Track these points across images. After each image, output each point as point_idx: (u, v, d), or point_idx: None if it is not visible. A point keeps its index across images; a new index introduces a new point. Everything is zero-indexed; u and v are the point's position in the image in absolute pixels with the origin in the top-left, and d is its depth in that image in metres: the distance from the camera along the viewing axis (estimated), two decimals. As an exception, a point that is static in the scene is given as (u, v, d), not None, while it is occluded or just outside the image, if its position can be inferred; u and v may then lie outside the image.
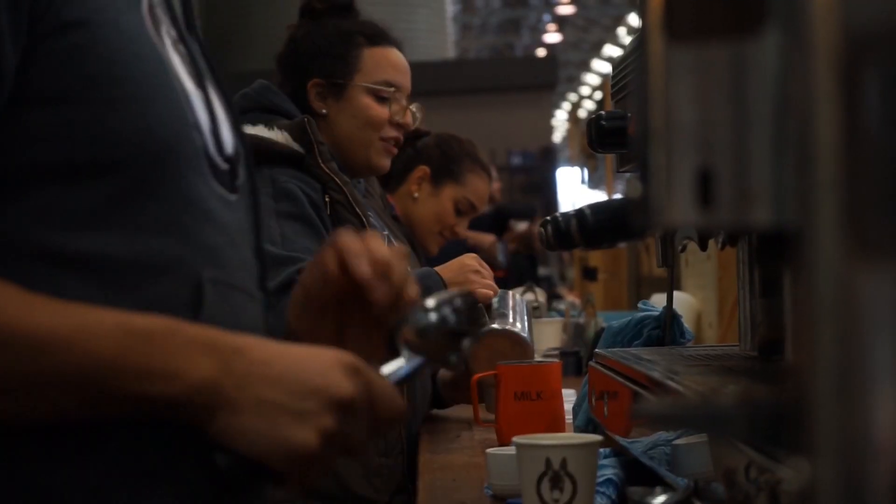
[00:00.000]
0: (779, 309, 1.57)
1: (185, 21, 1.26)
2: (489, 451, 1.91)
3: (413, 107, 2.59)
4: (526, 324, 2.55)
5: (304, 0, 2.59)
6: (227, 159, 1.21)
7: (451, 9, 15.03)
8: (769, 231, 0.84)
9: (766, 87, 0.82)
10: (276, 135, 2.38)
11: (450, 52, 14.03)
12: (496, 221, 6.86)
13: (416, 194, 3.29)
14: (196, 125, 1.15)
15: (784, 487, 1.06)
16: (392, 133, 2.54)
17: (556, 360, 3.01)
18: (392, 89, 2.53)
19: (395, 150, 2.58)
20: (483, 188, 3.42)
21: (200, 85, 1.19)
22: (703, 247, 1.81)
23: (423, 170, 3.31)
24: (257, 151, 2.35)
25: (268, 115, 2.46)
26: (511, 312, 2.54)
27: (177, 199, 1.12)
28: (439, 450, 2.35)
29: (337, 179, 2.39)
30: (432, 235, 3.31)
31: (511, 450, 1.75)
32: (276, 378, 1.06)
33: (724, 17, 0.83)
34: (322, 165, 2.38)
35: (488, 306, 2.53)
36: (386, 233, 2.52)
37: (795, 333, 0.77)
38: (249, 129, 2.37)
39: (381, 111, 2.51)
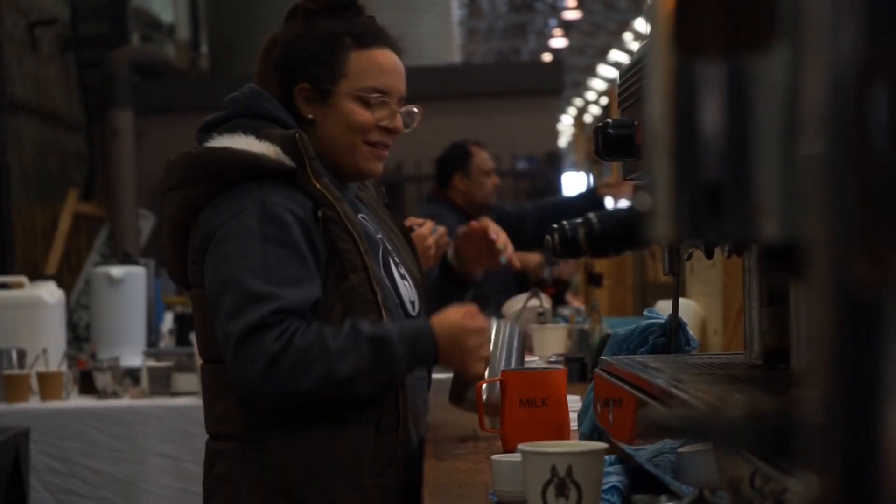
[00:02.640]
0: (784, 318, 1.58)
1: None
2: (494, 457, 1.92)
3: (412, 108, 2.53)
4: (513, 358, 2.51)
5: (294, 5, 2.51)
6: None
7: (457, 13, 15.02)
8: (777, 243, 0.84)
9: (775, 100, 0.82)
10: (267, 148, 2.33)
11: (455, 57, 14.02)
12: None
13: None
14: None
15: (789, 497, 1.06)
16: (379, 137, 2.46)
17: (561, 366, 3.01)
18: (377, 95, 2.45)
19: (385, 154, 2.49)
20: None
21: None
22: (710, 255, 1.81)
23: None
24: (247, 166, 2.32)
25: (259, 121, 2.41)
26: (496, 352, 2.50)
27: None
28: (444, 456, 2.35)
29: (329, 196, 2.33)
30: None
31: (516, 457, 1.75)
32: None
33: (734, 31, 0.83)
34: (314, 182, 2.33)
35: None
36: (380, 236, 2.48)
37: (803, 346, 0.77)
38: (241, 142, 2.34)
39: (366, 116, 2.44)
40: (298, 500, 2.30)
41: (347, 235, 2.33)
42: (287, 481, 2.30)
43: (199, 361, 2.54)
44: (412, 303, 2.50)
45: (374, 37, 2.47)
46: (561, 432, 2.19)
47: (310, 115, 2.45)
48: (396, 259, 2.51)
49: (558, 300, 5.37)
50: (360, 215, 2.46)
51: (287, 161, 2.32)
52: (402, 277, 2.49)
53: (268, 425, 2.32)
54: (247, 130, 2.37)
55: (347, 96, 2.44)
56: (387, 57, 2.48)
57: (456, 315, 2.39)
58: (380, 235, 2.49)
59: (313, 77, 2.44)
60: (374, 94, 2.44)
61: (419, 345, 2.32)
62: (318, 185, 2.33)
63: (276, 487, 2.30)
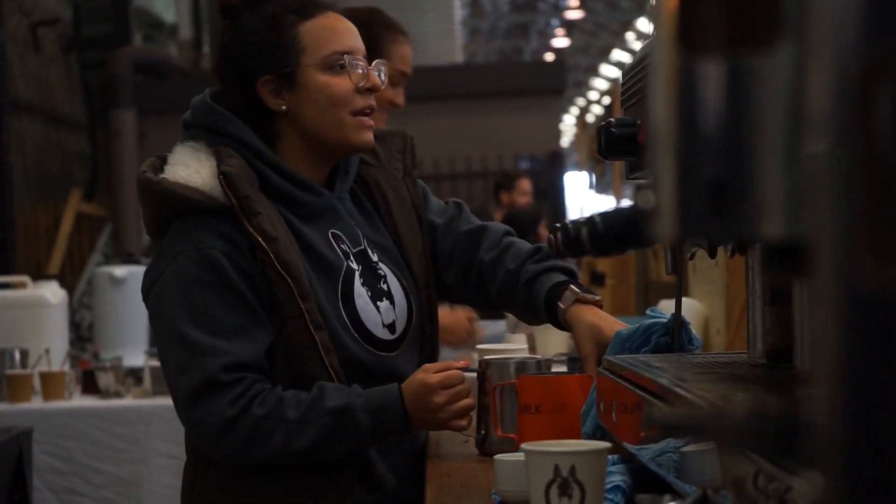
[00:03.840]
0: (788, 317, 1.57)
1: None
2: (497, 457, 1.91)
3: (379, 63, 2.36)
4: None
5: (220, 6, 2.35)
6: None
7: (459, 13, 15.02)
8: (781, 242, 0.84)
9: (779, 99, 0.82)
10: (203, 181, 2.21)
11: (458, 57, 14.03)
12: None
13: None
14: None
15: (793, 496, 1.06)
16: (362, 103, 2.29)
17: (566, 367, 3.00)
18: (345, 56, 2.28)
19: (372, 122, 2.31)
20: (407, 52, 3.29)
21: None
22: (713, 255, 1.81)
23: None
24: (179, 203, 2.21)
25: (214, 134, 2.28)
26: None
27: None
28: (447, 455, 2.35)
29: (261, 238, 2.19)
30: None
31: (519, 456, 1.75)
32: None
33: (737, 30, 0.83)
34: (246, 224, 2.19)
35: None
36: (355, 252, 2.34)
37: (807, 345, 0.77)
38: (190, 167, 2.23)
39: (343, 83, 2.27)
40: None
41: (282, 280, 2.19)
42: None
43: None
44: (391, 324, 2.34)
45: (314, 5, 2.32)
46: (576, 437, 2.15)
47: (283, 107, 2.28)
48: (371, 278, 2.35)
49: None
50: (331, 231, 2.33)
51: (221, 199, 2.20)
52: (377, 298, 2.33)
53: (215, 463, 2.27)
54: (204, 141, 2.28)
55: (314, 69, 2.27)
56: (335, 19, 2.33)
57: (420, 374, 2.24)
58: (356, 250, 2.35)
59: (271, 66, 2.27)
60: (340, 57, 2.28)
61: (385, 414, 2.20)
62: (249, 228, 2.19)
63: None
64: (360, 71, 2.30)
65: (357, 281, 2.32)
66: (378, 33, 3.23)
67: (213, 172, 2.22)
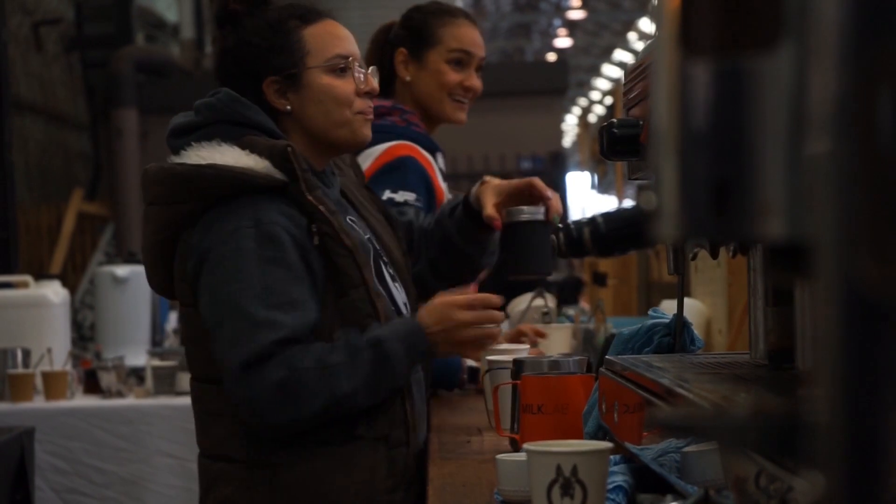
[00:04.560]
0: (790, 317, 1.58)
1: None
2: (499, 457, 1.91)
3: (372, 70, 2.48)
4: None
5: (218, 6, 2.44)
6: None
7: (461, 13, 15.00)
8: (782, 243, 0.84)
9: (782, 100, 0.82)
10: (255, 162, 2.27)
11: (460, 57, 14.01)
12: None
13: (407, 78, 3.26)
14: None
15: (794, 496, 1.06)
16: (362, 105, 2.42)
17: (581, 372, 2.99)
18: (348, 59, 2.41)
19: (371, 119, 2.45)
20: (462, 32, 3.29)
21: None
22: (715, 255, 1.81)
23: (401, 53, 3.27)
24: (236, 184, 2.25)
25: (239, 128, 2.34)
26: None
27: None
28: (449, 455, 2.36)
29: (324, 210, 2.28)
30: (447, 104, 3.27)
31: (521, 456, 1.75)
32: None
33: (740, 30, 0.83)
34: (308, 196, 2.28)
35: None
36: (368, 236, 2.44)
37: (808, 345, 0.77)
38: (226, 155, 2.28)
39: (344, 86, 2.40)
40: None
41: (344, 250, 2.28)
42: None
43: (187, 376, 2.48)
44: (405, 304, 2.47)
45: (316, 12, 2.44)
46: (578, 438, 2.15)
47: (287, 107, 2.39)
48: (386, 259, 2.48)
49: (572, 300, 5.36)
50: (348, 218, 2.42)
51: (278, 175, 2.27)
52: (393, 279, 2.46)
53: (276, 448, 2.28)
54: (226, 138, 2.31)
55: (318, 71, 2.39)
56: (335, 25, 2.45)
57: (439, 298, 2.39)
58: (368, 236, 2.45)
59: (277, 67, 2.38)
60: (342, 61, 2.40)
61: (411, 338, 2.29)
62: (312, 200, 2.28)
63: None
64: (360, 75, 2.43)
65: (382, 259, 2.45)
66: (427, 22, 3.29)
67: (254, 159, 2.28)
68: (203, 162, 2.28)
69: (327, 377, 2.21)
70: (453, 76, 3.26)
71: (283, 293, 2.22)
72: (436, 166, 3.20)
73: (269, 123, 2.37)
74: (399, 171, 3.03)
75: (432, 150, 3.23)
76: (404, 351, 2.27)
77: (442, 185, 3.20)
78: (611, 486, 1.68)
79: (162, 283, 2.43)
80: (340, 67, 2.40)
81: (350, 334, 2.25)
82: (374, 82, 2.45)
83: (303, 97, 2.39)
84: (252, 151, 2.28)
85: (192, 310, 2.32)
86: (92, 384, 4.88)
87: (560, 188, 12.14)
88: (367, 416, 2.29)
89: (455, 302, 2.33)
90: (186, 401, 2.46)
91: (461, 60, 3.28)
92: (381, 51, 3.31)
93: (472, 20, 3.37)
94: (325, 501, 2.27)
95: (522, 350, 2.85)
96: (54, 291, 5.17)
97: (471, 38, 3.31)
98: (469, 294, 2.40)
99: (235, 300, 2.22)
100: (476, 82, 3.31)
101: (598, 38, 29.30)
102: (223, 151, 2.29)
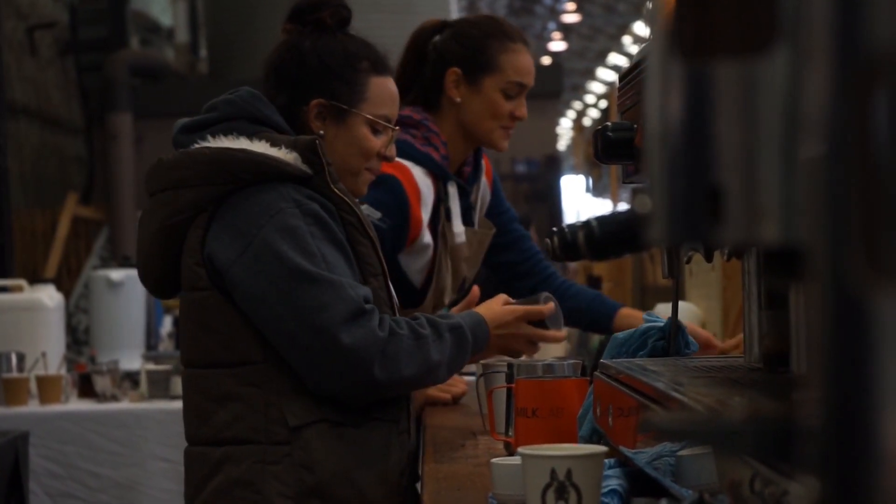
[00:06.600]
0: (784, 321, 1.58)
1: None
2: (494, 460, 1.91)
3: (396, 132, 2.55)
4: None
5: (304, 6, 2.47)
6: None
7: (455, 16, 15.03)
8: (777, 246, 0.84)
9: (776, 104, 0.83)
10: (284, 154, 2.29)
11: (455, 60, 14.02)
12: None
13: (457, 99, 3.14)
14: None
15: (789, 500, 1.06)
16: (376, 164, 2.49)
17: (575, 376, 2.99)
18: (391, 122, 2.49)
19: (374, 178, 2.52)
20: (522, 61, 3.13)
21: None
22: (709, 259, 1.81)
23: (454, 73, 3.13)
24: (269, 170, 2.27)
25: (255, 125, 2.36)
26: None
27: None
28: (444, 459, 2.36)
29: (348, 201, 2.33)
30: (497, 132, 3.17)
31: (516, 460, 1.75)
32: None
33: (735, 34, 0.83)
34: (332, 187, 2.32)
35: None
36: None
37: (803, 349, 0.77)
38: (256, 146, 2.29)
39: (375, 143, 2.46)
40: (332, 499, 2.27)
41: (367, 240, 2.34)
42: (322, 480, 2.27)
43: (182, 369, 2.46)
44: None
45: (385, 65, 2.50)
46: (573, 441, 2.15)
47: (321, 131, 2.42)
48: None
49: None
50: None
51: (304, 167, 2.30)
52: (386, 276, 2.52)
53: (295, 426, 2.27)
54: (243, 133, 2.32)
55: (364, 120, 2.44)
56: (393, 86, 2.52)
57: (501, 304, 2.53)
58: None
59: (333, 94, 2.43)
60: (386, 123, 2.47)
61: (477, 330, 2.42)
62: (336, 190, 2.32)
63: (310, 487, 2.26)
64: (387, 138, 2.50)
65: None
66: (486, 45, 3.15)
67: (283, 152, 2.30)
68: (234, 146, 2.30)
69: (421, 346, 2.30)
70: (506, 106, 3.14)
71: (340, 267, 2.28)
72: (427, 193, 3.09)
73: (284, 125, 2.40)
74: (376, 188, 2.94)
75: (443, 178, 3.13)
76: (472, 339, 2.40)
77: (424, 215, 3.08)
78: (605, 490, 1.68)
79: (157, 279, 2.41)
80: (380, 128, 2.47)
81: (428, 316, 2.38)
82: (394, 153, 2.53)
83: (339, 132, 2.44)
84: (274, 145, 2.31)
85: (206, 293, 2.30)
86: (86, 388, 4.87)
87: (555, 191, 12.15)
88: (380, 400, 2.34)
89: (518, 313, 2.51)
90: (181, 405, 2.45)
91: (516, 92, 3.17)
92: (419, 50, 3.18)
93: (528, 44, 3.25)
94: (342, 478, 2.28)
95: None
96: (49, 295, 5.17)
97: (528, 68, 3.19)
98: (531, 306, 2.54)
99: (305, 270, 2.23)
100: (525, 111, 3.19)
101: (593, 41, 29.34)
102: (252, 144, 2.30)
